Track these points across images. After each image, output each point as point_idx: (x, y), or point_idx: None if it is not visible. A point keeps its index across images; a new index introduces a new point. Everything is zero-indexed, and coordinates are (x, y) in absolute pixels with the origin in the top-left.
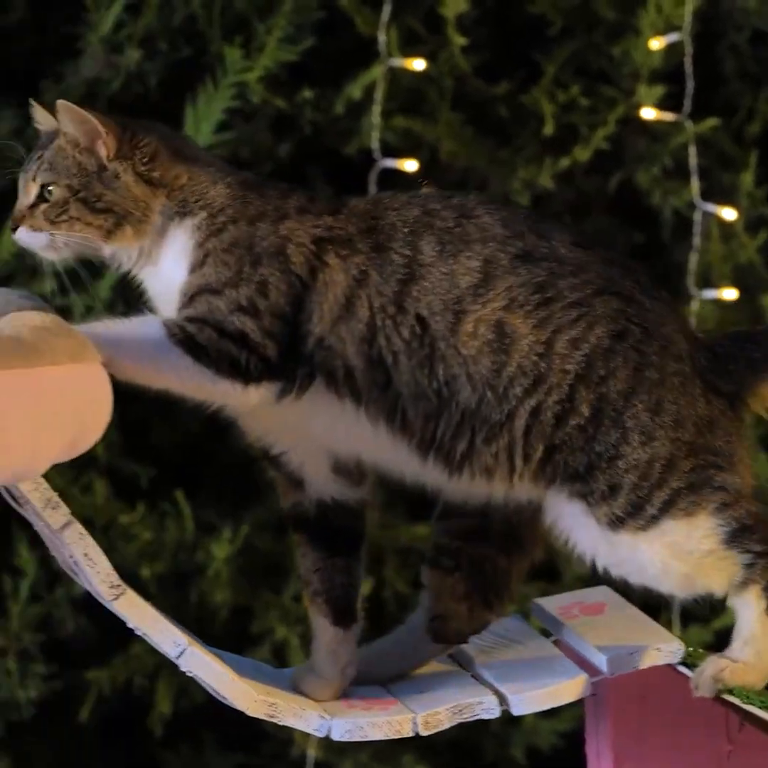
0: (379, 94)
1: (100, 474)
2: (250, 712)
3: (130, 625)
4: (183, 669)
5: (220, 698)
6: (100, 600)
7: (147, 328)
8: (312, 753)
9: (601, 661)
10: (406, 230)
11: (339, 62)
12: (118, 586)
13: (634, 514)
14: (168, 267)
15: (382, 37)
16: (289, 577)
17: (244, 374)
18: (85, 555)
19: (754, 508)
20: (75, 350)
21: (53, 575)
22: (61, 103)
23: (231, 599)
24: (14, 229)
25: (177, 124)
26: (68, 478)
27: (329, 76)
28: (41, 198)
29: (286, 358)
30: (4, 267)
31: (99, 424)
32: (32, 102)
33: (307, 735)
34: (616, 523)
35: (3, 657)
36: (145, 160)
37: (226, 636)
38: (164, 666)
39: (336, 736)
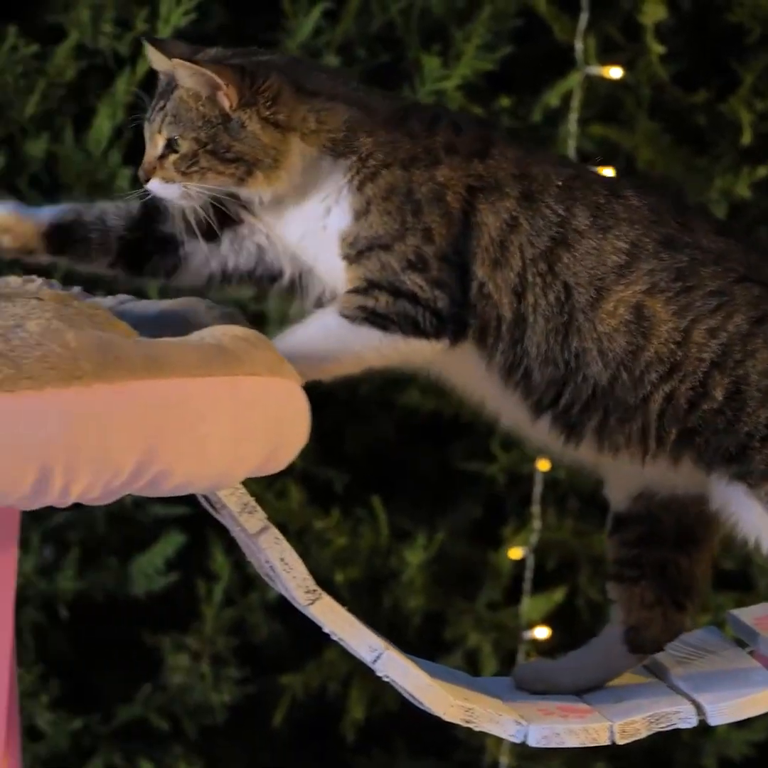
0: (576, 102)
1: (295, 479)
2: (447, 717)
3: (325, 630)
4: (379, 674)
5: (415, 703)
6: (296, 605)
7: (326, 324)
8: (504, 760)
9: None
10: (559, 184)
11: (536, 69)
12: (314, 590)
13: None
14: (318, 207)
15: (579, 45)
16: (482, 584)
17: (423, 330)
18: (281, 560)
19: None
20: (274, 364)
21: (247, 580)
22: (175, 61)
23: (424, 606)
24: (146, 181)
25: None
26: (263, 483)
27: (527, 84)
28: (169, 148)
29: (456, 308)
30: None
31: (296, 440)
32: (144, 40)
33: (499, 742)
34: None
35: (197, 661)
36: (268, 104)
37: (419, 642)
38: (357, 672)
39: (532, 742)
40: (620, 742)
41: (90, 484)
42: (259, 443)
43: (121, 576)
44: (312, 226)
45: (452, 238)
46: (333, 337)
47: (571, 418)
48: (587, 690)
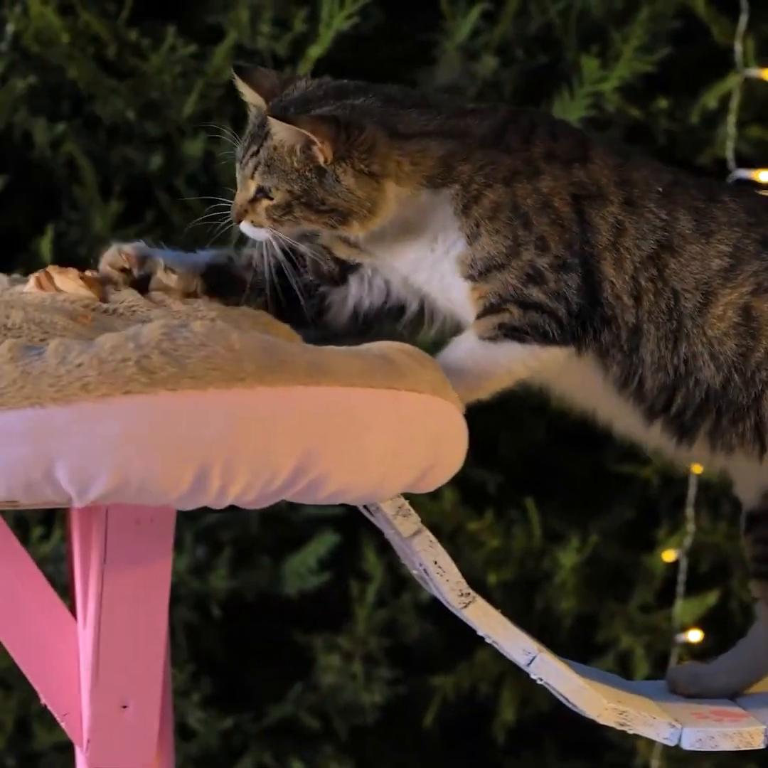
0: (734, 104)
1: (448, 481)
2: (601, 720)
3: (479, 633)
4: (533, 676)
5: (569, 706)
6: (450, 608)
7: (471, 349)
8: (655, 762)
9: None
10: (660, 190)
11: (694, 71)
12: (468, 594)
13: None
14: (428, 238)
15: (738, 47)
16: (635, 587)
17: (553, 339)
18: (435, 563)
19: None
20: (437, 384)
21: (400, 580)
22: (271, 120)
23: (576, 608)
24: (237, 222)
25: None
26: None
27: (685, 86)
28: (262, 194)
29: (577, 316)
30: None
31: (452, 462)
32: (233, 73)
33: (650, 744)
34: None
35: (349, 661)
36: (363, 157)
37: (571, 645)
38: (509, 673)
39: (686, 745)
40: None
41: (247, 486)
42: (416, 460)
43: (274, 575)
44: (426, 257)
45: (567, 243)
46: (480, 359)
47: (683, 421)
48: (741, 692)
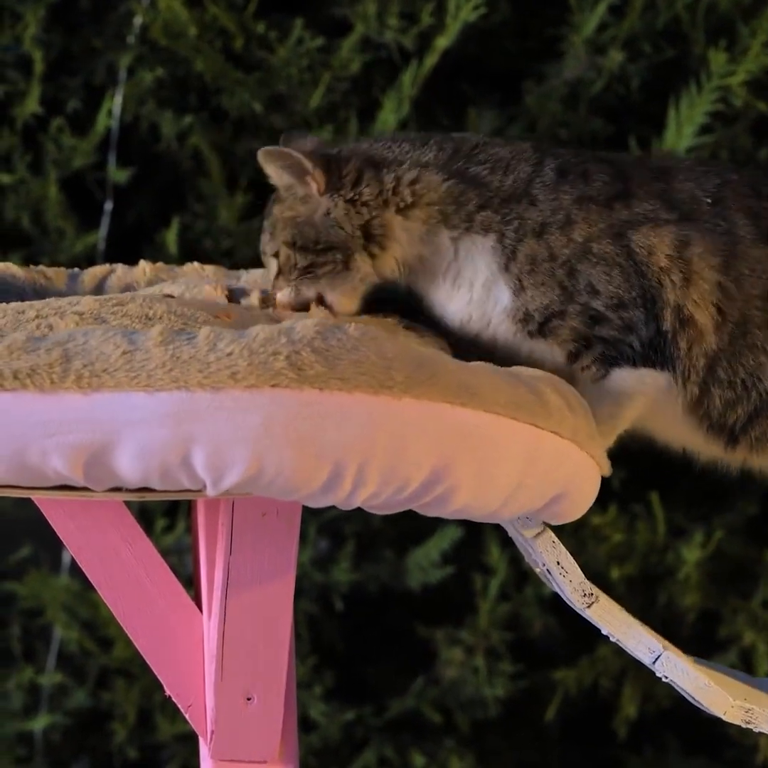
0: None
1: None
2: (727, 718)
3: (603, 632)
4: (658, 675)
5: (695, 703)
6: (574, 607)
7: (593, 396)
8: None
9: None
10: (709, 201)
11: None
12: (591, 594)
13: None
14: (464, 290)
15: None
16: (758, 583)
17: (640, 365)
18: (558, 563)
19: None
20: (581, 434)
21: (522, 574)
22: (261, 151)
23: (699, 603)
24: (272, 306)
25: (658, 127)
26: None
27: None
28: (278, 267)
29: (649, 346)
30: None
31: (576, 509)
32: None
33: None
34: None
35: (471, 655)
36: (352, 185)
37: (693, 640)
38: (630, 668)
39: None
40: None
41: (377, 491)
42: (536, 495)
43: (397, 568)
44: (469, 309)
45: (617, 282)
46: (605, 399)
47: (734, 428)
48: None
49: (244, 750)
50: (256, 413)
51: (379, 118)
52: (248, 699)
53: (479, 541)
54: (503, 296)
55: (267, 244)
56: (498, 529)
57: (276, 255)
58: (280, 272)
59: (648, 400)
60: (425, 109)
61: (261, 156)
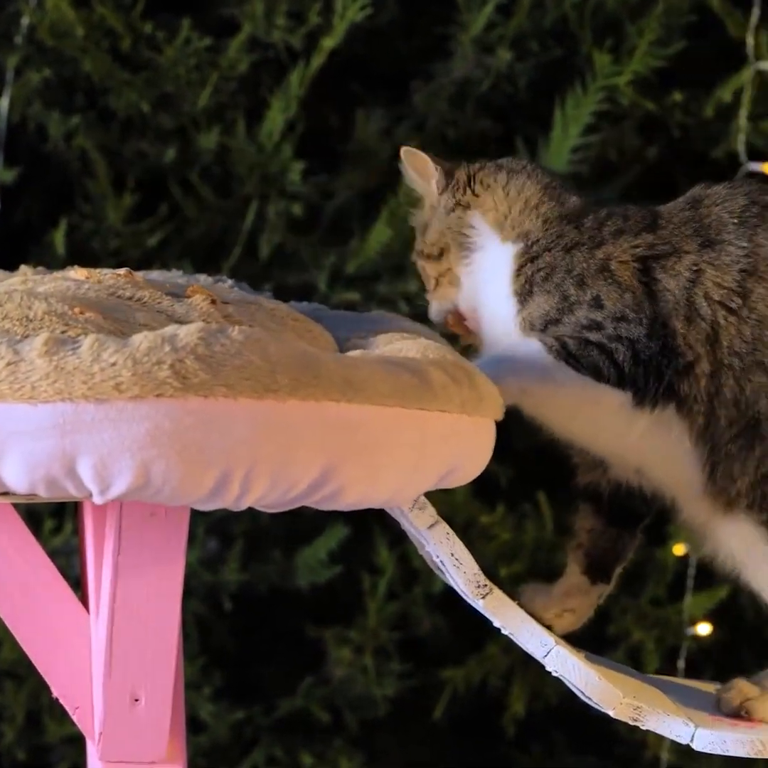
0: (745, 98)
1: None
2: (615, 715)
3: (496, 624)
4: (549, 669)
5: (585, 699)
6: (467, 599)
7: (532, 349)
8: (665, 756)
9: None
10: (735, 222)
11: (709, 65)
12: (485, 586)
13: None
14: (484, 281)
15: (750, 41)
16: (647, 581)
17: (607, 378)
18: (452, 555)
19: None
20: (469, 404)
21: (411, 573)
22: (404, 150)
23: None
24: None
25: (545, 127)
26: None
27: (699, 80)
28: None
29: (642, 365)
30: (370, 265)
31: (470, 474)
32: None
33: (660, 739)
34: None
35: (360, 654)
36: (464, 184)
37: (583, 638)
38: (519, 666)
39: (698, 746)
40: None
41: (265, 493)
42: (431, 474)
43: (285, 568)
44: (480, 294)
45: (626, 303)
46: (537, 364)
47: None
48: None
49: (132, 751)
50: (141, 424)
51: (267, 117)
52: (136, 700)
53: (368, 540)
54: (508, 300)
55: (413, 254)
56: (387, 527)
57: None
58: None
59: (569, 401)
60: (314, 109)
61: (403, 154)
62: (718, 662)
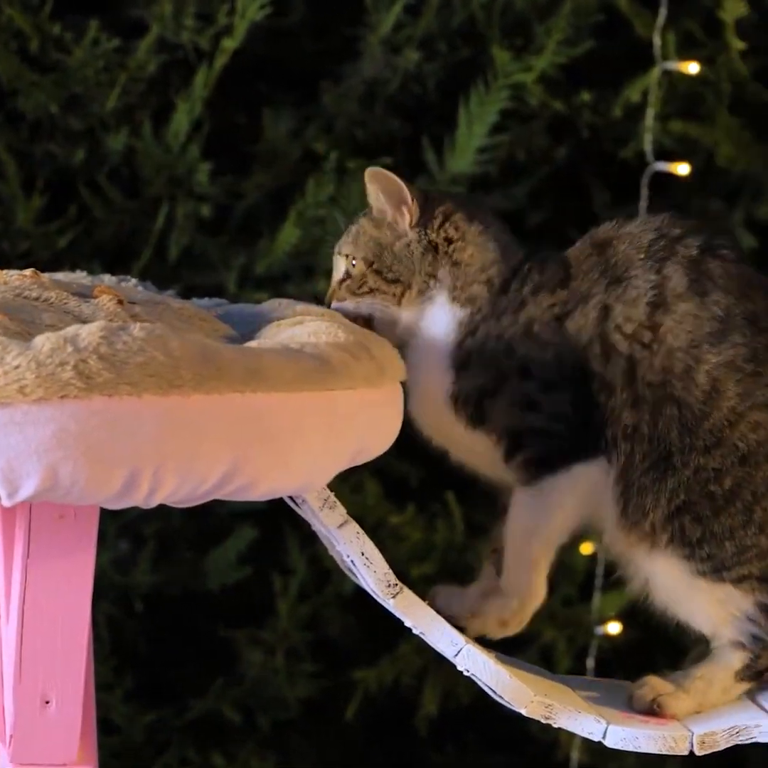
0: (652, 98)
1: (370, 474)
2: (527, 713)
3: (406, 623)
4: (460, 668)
5: (496, 698)
6: (378, 599)
7: (524, 506)
8: (576, 755)
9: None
10: (642, 257)
11: (618, 65)
12: (396, 585)
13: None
14: (427, 339)
15: (657, 41)
16: (557, 580)
17: (574, 458)
18: (362, 554)
19: None
20: (372, 375)
21: (322, 574)
22: (368, 170)
23: None
24: (328, 305)
25: (453, 126)
26: (339, 477)
27: (608, 80)
28: (347, 272)
29: (581, 430)
30: (279, 266)
31: (384, 444)
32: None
33: (572, 737)
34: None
35: (271, 655)
36: (438, 225)
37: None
38: (431, 666)
39: (610, 743)
40: (699, 753)
41: (175, 489)
42: (344, 452)
43: (197, 570)
44: (422, 352)
45: (549, 364)
46: (539, 511)
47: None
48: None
49: (44, 754)
50: (47, 426)
51: (173, 119)
52: (46, 702)
53: (279, 540)
54: (447, 376)
55: (346, 246)
56: (297, 528)
57: (350, 262)
58: (346, 280)
59: (581, 500)
60: (222, 110)
61: (367, 174)
62: (629, 661)
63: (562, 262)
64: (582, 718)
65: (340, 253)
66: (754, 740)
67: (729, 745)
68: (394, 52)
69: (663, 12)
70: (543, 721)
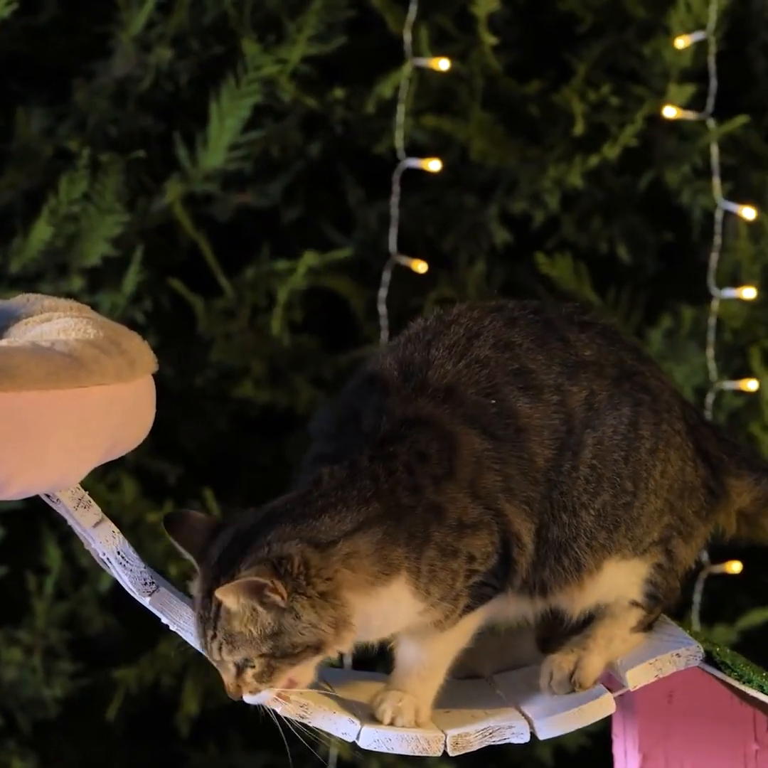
0: (404, 94)
1: (128, 472)
2: (283, 712)
3: (163, 621)
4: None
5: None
6: (135, 597)
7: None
8: (335, 752)
9: (623, 676)
10: (481, 390)
11: (370, 61)
12: (152, 583)
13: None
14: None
15: (408, 37)
16: None
17: (497, 591)
18: (118, 553)
19: (677, 586)
20: (123, 370)
21: (79, 572)
22: (218, 592)
23: None
24: (238, 698)
25: (205, 123)
26: (96, 475)
27: (361, 75)
28: (241, 668)
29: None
30: (33, 265)
31: (138, 437)
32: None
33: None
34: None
35: (29, 655)
36: (305, 581)
37: None
38: (192, 665)
39: (363, 744)
40: (453, 753)
41: None
42: (99, 447)
43: None
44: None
45: (484, 540)
46: (455, 640)
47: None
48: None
49: None
50: None
51: None
52: None
53: (34, 539)
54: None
55: (226, 655)
56: (54, 527)
57: (241, 664)
58: (242, 673)
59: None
60: None
61: (220, 595)
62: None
63: (445, 446)
64: (336, 719)
65: (224, 662)
66: (507, 741)
67: (483, 746)
68: (145, 49)
69: (414, 8)
70: (298, 720)
